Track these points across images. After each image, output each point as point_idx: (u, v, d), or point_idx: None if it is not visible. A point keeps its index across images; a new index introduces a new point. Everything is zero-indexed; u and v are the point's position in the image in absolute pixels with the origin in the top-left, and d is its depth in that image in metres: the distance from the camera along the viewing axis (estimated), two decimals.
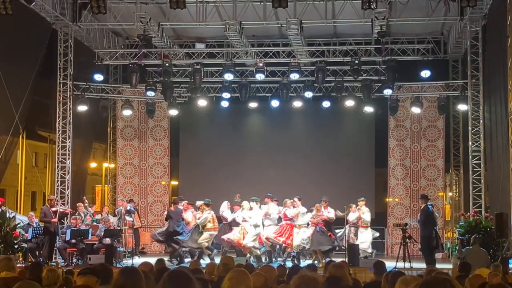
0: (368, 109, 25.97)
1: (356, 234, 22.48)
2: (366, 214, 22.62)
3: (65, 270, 13.21)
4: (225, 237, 22.14)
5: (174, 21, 23.15)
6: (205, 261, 20.23)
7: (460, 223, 21.39)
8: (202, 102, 26.40)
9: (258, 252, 22.00)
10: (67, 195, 24.32)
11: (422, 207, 20.88)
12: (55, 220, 21.90)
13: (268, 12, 22.11)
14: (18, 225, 20.98)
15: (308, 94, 25.74)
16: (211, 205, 22.18)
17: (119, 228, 22.50)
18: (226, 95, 26.21)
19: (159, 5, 22.42)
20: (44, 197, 31.30)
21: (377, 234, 23.59)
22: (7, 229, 20.32)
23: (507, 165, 18.58)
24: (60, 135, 24.66)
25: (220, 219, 22.63)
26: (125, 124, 27.95)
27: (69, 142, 24.61)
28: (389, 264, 19.01)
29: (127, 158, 27.90)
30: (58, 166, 24.59)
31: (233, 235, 21.96)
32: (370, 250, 22.69)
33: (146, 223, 26.99)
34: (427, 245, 20.28)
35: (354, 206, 22.58)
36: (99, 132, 28.78)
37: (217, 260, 18.74)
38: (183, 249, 22.25)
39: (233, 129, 27.98)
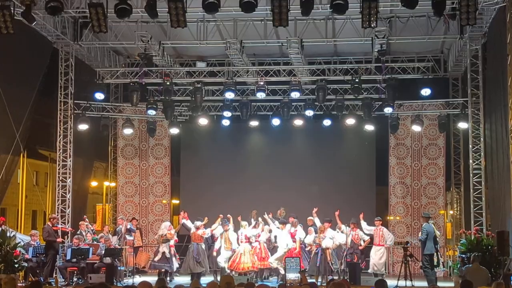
0: (369, 127, 25.97)
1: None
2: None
3: None
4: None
5: (175, 40, 23.22)
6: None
7: (461, 241, 21.33)
8: (203, 121, 26.40)
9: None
10: (68, 214, 24.30)
11: (423, 225, 20.84)
12: (60, 239, 21.90)
13: (269, 31, 22.19)
14: (19, 244, 20.93)
15: (309, 113, 25.76)
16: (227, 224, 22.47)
17: (119, 247, 22.46)
18: (227, 113, 26.22)
19: (160, 24, 22.49)
20: (44, 216, 31.27)
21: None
22: (8, 248, 20.25)
23: (508, 183, 18.56)
24: (61, 154, 24.67)
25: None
26: (125, 142, 27.96)
27: (70, 161, 24.62)
28: (391, 283, 18.99)
29: (127, 177, 27.87)
30: (58, 185, 24.58)
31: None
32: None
33: (147, 242, 26.92)
34: (428, 263, 20.22)
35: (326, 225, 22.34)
36: (100, 150, 28.75)
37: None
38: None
39: (234, 148, 27.96)
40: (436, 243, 20.57)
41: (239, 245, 22.30)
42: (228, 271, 21.73)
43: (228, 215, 23.04)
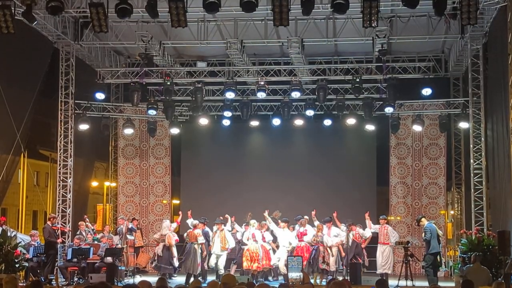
0: (369, 127, 25.95)
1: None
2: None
3: None
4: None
5: (176, 39, 23.21)
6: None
7: (462, 241, 21.32)
8: (203, 121, 26.39)
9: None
10: (69, 214, 24.28)
11: (425, 225, 20.80)
12: (61, 240, 21.91)
13: (269, 31, 22.17)
14: (19, 244, 20.93)
15: (310, 113, 25.73)
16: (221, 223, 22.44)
17: (120, 246, 22.46)
18: (228, 113, 26.20)
19: (161, 24, 22.48)
20: (45, 216, 31.26)
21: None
22: (8, 248, 20.26)
23: (509, 182, 18.54)
24: (62, 154, 24.66)
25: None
26: (126, 142, 27.95)
27: (71, 161, 24.60)
28: (392, 283, 19.00)
29: (128, 177, 27.87)
30: (59, 185, 24.56)
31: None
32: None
33: (148, 242, 26.89)
34: (432, 262, 20.23)
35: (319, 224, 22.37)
36: (101, 150, 28.76)
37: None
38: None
39: (234, 148, 27.94)
40: (439, 242, 20.57)
41: (240, 241, 22.45)
42: (222, 272, 21.77)
43: (227, 215, 23.07)
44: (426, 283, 19.52)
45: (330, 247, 21.84)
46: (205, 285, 13.18)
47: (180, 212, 24.09)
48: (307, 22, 21.78)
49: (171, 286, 11.99)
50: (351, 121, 25.73)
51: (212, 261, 22.16)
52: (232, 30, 22.26)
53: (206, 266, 22.46)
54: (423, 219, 21.23)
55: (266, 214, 22.51)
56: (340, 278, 19.96)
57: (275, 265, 22.21)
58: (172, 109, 25.51)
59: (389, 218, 26.93)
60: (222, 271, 21.89)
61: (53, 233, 21.53)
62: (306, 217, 22.44)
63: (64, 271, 21.55)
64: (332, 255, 21.89)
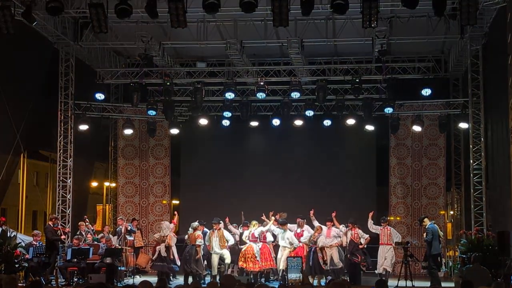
0: (369, 127, 25.95)
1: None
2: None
3: None
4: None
5: (175, 40, 23.20)
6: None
7: (461, 241, 21.32)
8: (203, 121, 26.41)
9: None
10: (68, 214, 24.31)
11: (427, 226, 20.78)
12: (64, 236, 21.95)
13: (269, 31, 22.16)
14: (19, 245, 20.93)
15: (309, 113, 25.72)
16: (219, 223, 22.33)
17: (120, 247, 22.46)
18: (227, 114, 26.18)
19: (160, 24, 22.44)
20: (45, 216, 31.24)
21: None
22: (8, 248, 20.27)
23: (508, 183, 18.53)
24: (61, 154, 24.68)
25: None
26: (126, 143, 27.95)
27: (70, 161, 24.62)
28: (391, 283, 18.99)
29: (128, 177, 27.87)
30: (59, 185, 24.59)
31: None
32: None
33: (147, 242, 26.89)
34: (434, 263, 20.22)
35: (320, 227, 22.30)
36: (100, 151, 28.72)
37: None
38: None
39: (234, 148, 27.92)
40: (439, 243, 20.57)
41: (239, 241, 22.40)
42: (229, 272, 21.73)
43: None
44: (425, 284, 19.53)
45: (324, 247, 21.69)
46: (204, 285, 13.20)
47: (175, 212, 24.08)
48: (306, 23, 21.76)
49: (170, 287, 11.99)
50: (350, 121, 25.74)
51: (215, 261, 22.13)
52: (232, 30, 22.26)
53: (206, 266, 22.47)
54: (426, 219, 21.20)
55: (269, 220, 22.48)
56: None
57: (280, 269, 22.13)
58: (171, 109, 25.52)
59: (389, 218, 26.93)
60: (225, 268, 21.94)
61: (55, 233, 21.55)
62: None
63: (64, 271, 21.55)
64: (326, 255, 21.76)
